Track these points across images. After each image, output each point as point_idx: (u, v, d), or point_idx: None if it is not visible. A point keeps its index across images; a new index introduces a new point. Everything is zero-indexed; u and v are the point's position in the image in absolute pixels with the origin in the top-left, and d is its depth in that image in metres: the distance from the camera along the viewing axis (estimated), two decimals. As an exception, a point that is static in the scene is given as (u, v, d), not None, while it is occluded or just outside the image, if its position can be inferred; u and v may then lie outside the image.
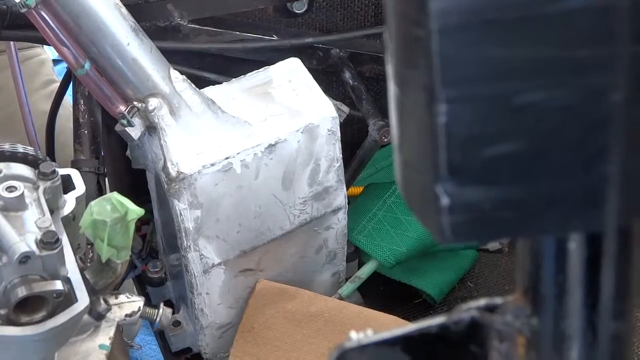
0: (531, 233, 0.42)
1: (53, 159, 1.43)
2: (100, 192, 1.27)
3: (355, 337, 0.46)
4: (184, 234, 1.22)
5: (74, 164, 1.27)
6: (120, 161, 1.37)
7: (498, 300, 0.47)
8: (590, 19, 0.37)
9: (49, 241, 0.88)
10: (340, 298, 1.42)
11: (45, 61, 1.81)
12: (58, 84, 1.78)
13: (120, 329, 1.12)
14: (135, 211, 0.94)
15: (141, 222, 1.44)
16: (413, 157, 0.42)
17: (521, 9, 0.37)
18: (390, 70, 0.43)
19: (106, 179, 1.33)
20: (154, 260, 1.42)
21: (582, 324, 0.44)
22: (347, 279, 1.46)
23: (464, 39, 0.38)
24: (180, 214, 1.20)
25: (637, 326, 1.39)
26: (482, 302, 0.47)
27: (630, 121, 0.40)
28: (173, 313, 1.39)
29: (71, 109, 1.34)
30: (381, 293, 1.51)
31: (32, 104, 1.65)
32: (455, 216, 0.40)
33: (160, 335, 1.41)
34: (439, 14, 0.37)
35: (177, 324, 1.37)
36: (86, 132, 1.30)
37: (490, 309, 0.47)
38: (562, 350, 0.45)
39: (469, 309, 0.47)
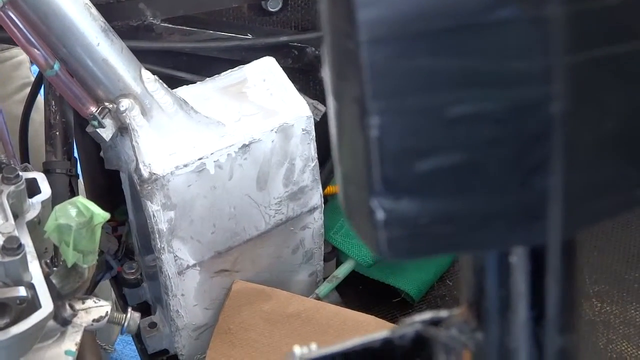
0: (470, 248, 0.41)
1: (26, 160, 1.42)
2: (73, 194, 1.26)
3: (299, 352, 0.45)
4: (157, 236, 1.21)
5: (46, 166, 1.25)
6: (95, 162, 1.36)
7: (443, 313, 0.46)
8: (524, 30, 0.36)
9: (11, 247, 0.86)
10: (318, 298, 1.41)
11: (22, 63, 1.78)
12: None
13: (94, 333, 1.11)
14: (101, 215, 0.93)
15: (117, 223, 1.43)
16: (350, 170, 0.41)
17: (451, 20, 0.36)
18: (327, 82, 0.42)
19: (79, 180, 1.32)
20: (129, 261, 1.40)
21: (527, 339, 0.43)
22: (324, 279, 1.45)
23: (394, 50, 0.37)
24: (154, 216, 1.19)
25: (616, 323, 1.39)
26: (427, 315, 0.46)
27: (570, 133, 0.39)
28: (149, 314, 1.38)
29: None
30: (359, 292, 1.50)
31: (6, 109, 1.63)
32: (391, 231, 0.39)
33: (138, 337, 1.40)
34: (367, 25, 0.36)
35: (153, 325, 1.36)
36: (58, 133, 1.28)
37: (435, 322, 0.46)
38: (508, 365, 0.44)
39: (414, 322, 0.46)
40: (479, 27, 0.36)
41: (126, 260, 1.42)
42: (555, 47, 0.37)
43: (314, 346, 0.45)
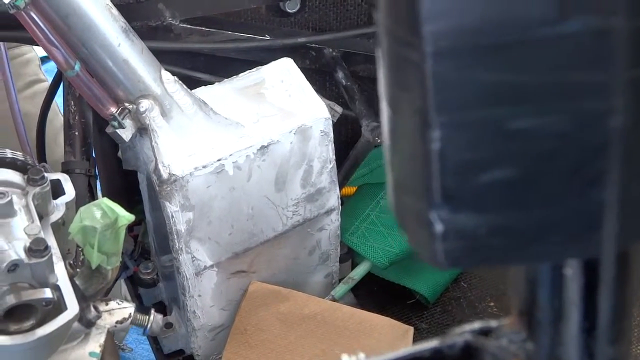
0: (527, 260, 0.41)
1: (44, 159, 1.42)
2: (92, 194, 1.26)
3: (347, 359, 0.45)
4: (175, 236, 1.21)
5: (65, 166, 1.25)
6: (112, 162, 1.36)
7: (493, 323, 0.46)
8: (588, 43, 0.36)
9: (37, 249, 0.86)
10: (334, 299, 1.41)
11: (31, 60, 1.78)
12: (43, 83, 1.76)
13: (111, 333, 1.11)
14: (126, 217, 0.93)
15: (133, 223, 1.42)
16: (405, 180, 0.41)
17: (516, 33, 0.36)
18: (383, 90, 0.42)
19: (97, 180, 1.32)
20: (145, 261, 1.40)
21: (578, 349, 0.43)
22: (340, 280, 1.45)
23: (458, 63, 0.37)
24: (172, 216, 1.19)
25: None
26: (477, 325, 0.46)
27: (629, 146, 0.39)
28: (165, 315, 1.38)
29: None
30: (374, 294, 1.50)
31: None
32: (449, 243, 0.39)
33: (153, 337, 1.40)
34: (433, 37, 0.36)
35: (169, 325, 1.36)
36: (77, 133, 1.28)
37: (485, 332, 0.46)
38: (558, 375, 0.44)
39: (463, 332, 0.46)
40: (543, 41, 0.36)
41: (142, 260, 1.42)
42: (618, 61, 0.37)
43: (362, 355, 0.45)
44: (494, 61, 0.36)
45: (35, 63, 1.83)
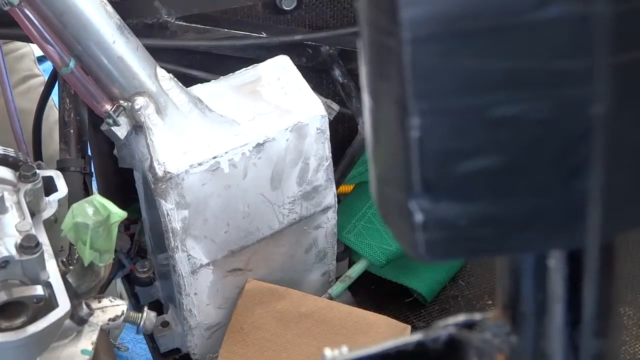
0: (509, 251, 0.41)
1: (40, 159, 1.42)
2: (87, 192, 1.26)
3: (330, 354, 0.45)
4: (171, 234, 1.21)
5: (60, 164, 1.25)
6: (107, 160, 1.36)
7: (477, 316, 0.45)
8: (569, 29, 0.36)
9: (28, 245, 0.86)
10: (331, 298, 1.41)
11: (25, 55, 1.77)
12: (38, 78, 1.75)
13: (106, 331, 1.11)
14: (118, 214, 0.93)
15: (129, 222, 1.42)
16: (387, 171, 0.41)
17: (496, 19, 0.36)
18: (363, 80, 0.41)
19: (93, 178, 1.31)
20: (142, 259, 1.40)
21: (563, 342, 0.43)
22: (337, 279, 1.44)
23: (437, 50, 0.36)
24: (168, 214, 1.18)
25: (629, 324, 1.38)
26: (461, 318, 0.45)
27: (612, 134, 0.38)
28: (162, 313, 1.38)
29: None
30: (372, 292, 1.49)
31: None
32: (430, 233, 0.39)
33: (149, 336, 1.40)
34: (411, 23, 0.36)
35: (165, 324, 1.36)
36: (72, 131, 1.28)
37: (469, 325, 0.45)
38: (543, 369, 0.43)
39: (447, 325, 0.45)
40: (524, 27, 0.36)
41: (138, 259, 1.41)
42: (599, 47, 0.36)
43: (345, 349, 0.45)
44: (473, 48, 0.36)
45: (29, 58, 1.82)
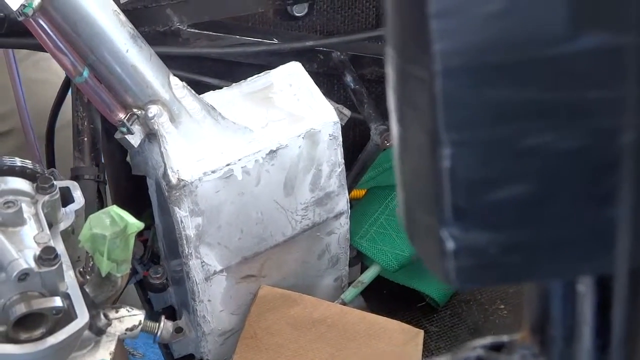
0: (539, 278, 0.41)
1: (53, 165, 1.42)
2: (101, 199, 1.26)
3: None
4: (185, 241, 1.21)
5: (74, 172, 1.26)
6: (120, 168, 1.36)
7: (505, 338, 0.45)
8: (601, 60, 0.36)
9: (47, 257, 0.86)
10: (343, 303, 1.41)
11: None
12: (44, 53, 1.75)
13: (122, 341, 1.11)
14: (135, 224, 0.93)
15: (143, 228, 1.42)
16: (416, 197, 0.41)
17: (527, 51, 0.36)
18: (391, 106, 0.41)
19: (106, 186, 1.32)
20: (155, 266, 1.40)
21: (591, 366, 0.43)
22: (349, 284, 1.44)
23: (468, 82, 0.36)
24: (181, 221, 1.19)
25: None
26: (489, 340, 0.46)
27: (641, 162, 0.38)
28: (175, 319, 1.38)
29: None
30: (384, 297, 1.50)
31: (19, 72, 1.62)
32: (461, 260, 0.39)
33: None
34: (443, 55, 0.36)
35: (179, 330, 1.36)
36: (86, 139, 1.29)
37: (497, 347, 0.46)
38: (571, 392, 0.44)
39: (475, 347, 0.46)
40: (555, 58, 0.36)
41: (151, 265, 1.42)
42: (630, 78, 0.36)
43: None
44: (504, 79, 0.36)
45: None
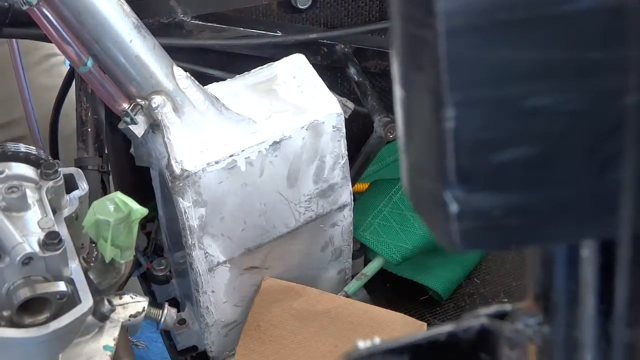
0: (543, 241, 0.41)
1: (56, 156, 1.42)
2: (105, 190, 1.26)
3: (363, 345, 0.45)
4: (188, 232, 1.21)
5: (78, 162, 1.26)
6: (124, 159, 1.36)
7: (508, 307, 0.46)
8: (603, 20, 0.36)
9: (51, 242, 0.87)
10: (346, 295, 1.41)
11: None
12: (59, 57, 1.76)
13: (125, 328, 1.11)
14: (139, 211, 0.93)
15: (146, 220, 1.43)
16: (420, 162, 0.41)
17: (531, 10, 0.36)
18: (395, 71, 0.42)
19: (110, 177, 1.32)
20: (159, 258, 1.41)
21: (595, 332, 0.43)
22: (353, 276, 1.44)
23: (472, 41, 0.36)
24: (185, 212, 1.19)
25: None
26: (492, 309, 0.46)
27: (645, 125, 0.38)
28: (178, 311, 1.39)
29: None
30: (387, 290, 1.50)
31: (31, 78, 1.63)
32: (465, 223, 0.39)
33: (166, 334, 1.40)
34: (447, 14, 0.36)
35: (182, 322, 1.36)
36: (89, 130, 1.29)
37: (500, 316, 0.46)
38: (575, 358, 0.44)
39: (479, 316, 0.46)
40: (557, 17, 0.36)
41: (155, 257, 1.42)
42: (633, 38, 0.37)
43: (377, 339, 0.45)
44: (508, 39, 0.36)
45: None
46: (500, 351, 0.46)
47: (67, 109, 1.41)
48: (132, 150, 1.27)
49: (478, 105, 0.37)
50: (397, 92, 0.42)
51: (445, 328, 0.46)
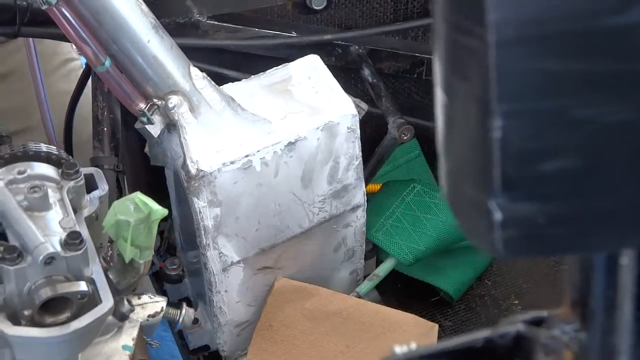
0: (584, 250, 0.42)
1: (70, 155, 1.43)
2: (120, 189, 1.27)
3: (400, 350, 0.46)
4: (203, 232, 1.22)
5: (93, 162, 1.26)
6: (138, 158, 1.37)
7: (544, 313, 0.46)
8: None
9: (73, 242, 0.87)
10: (358, 296, 1.42)
11: None
12: (77, 62, 1.77)
13: (142, 327, 1.12)
14: (159, 211, 0.94)
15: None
16: (463, 168, 0.41)
17: (581, 22, 0.36)
18: (438, 76, 0.42)
19: (125, 176, 1.33)
20: (171, 257, 1.41)
21: (632, 339, 0.43)
22: (365, 277, 1.45)
23: (521, 52, 0.37)
24: (200, 212, 1.20)
25: None
26: (529, 315, 0.46)
27: (688, 136, 0.39)
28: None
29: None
30: (399, 291, 1.50)
31: (50, 84, 1.64)
32: (508, 231, 0.40)
33: (178, 333, 1.41)
34: (497, 26, 0.37)
35: (195, 321, 1.37)
36: (105, 129, 1.29)
37: (537, 322, 0.46)
38: (611, 365, 0.44)
39: (515, 322, 0.46)
40: (606, 30, 0.36)
41: (168, 256, 1.43)
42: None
43: (414, 345, 0.46)
44: (557, 50, 0.37)
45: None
46: (536, 357, 0.46)
47: (85, 112, 1.42)
48: (146, 149, 1.28)
49: (525, 115, 0.38)
50: (439, 96, 0.42)
51: (482, 334, 0.47)
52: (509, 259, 0.41)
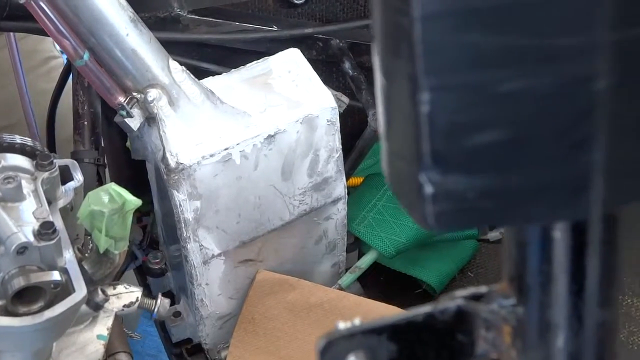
0: (515, 222, 0.42)
1: (53, 151, 1.44)
2: (100, 183, 1.27)
3: (343, 326, 0.46)
4: (183, 225, 1.22)
5: (74, 155, 1.27)
6: (120, 152, 1.37)
7: (484, 289, 0.47)
8: (571, 6, 0.37)
9: (46, 232, 0.88)
10: (340, 288, 1.42)
11: (46, 37, 1.80)
12: (58, 60, 1.78)
13: (120, 319, 1.13)
14: (133, 202, 0.94)
15: (141, 213, 1.44)
16: (398, 146, 0.42)
17: (504, -4, 0.37)
18: (376, 60, 0.43)
19: (106, 170, 1.33)
20: (154, 251, 1.42)
21: (567, 312, 0.44)
22: (347, 270, 1.46)
23: (447, 27, 0.38)
24: (180, 205, 1.20)
25: (637, 315, 1.39)
26: (468, 291, 0.47)
27: (615, 109, 0.40)
28: (173, 304, 1.40)
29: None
30: (381, 283, 1.51)
31: (30, 82, 1.65)
32: (439, 205, 0.40)
33: (161, 326, 1.42)
34: (421, 1, 0.37)
35: (177, 314, 1.38)
36: (86, 123, 1.30)
37: (477, 297, 0.47)
38: (548, 338, 0.45)
39: (455, 297, 0.47)
40: (528, 4, 0.37)
41: (150, 250, 1.43)
42: (602, 23, 0.38)
43: (357, 321, 0.47)
44: (481, 24, 0.37)
45: (49, 40, 1.84)
46: (477, 332, 0.47)
47: (67, 109, 1.43)
48: (128, 143, 1.28)
49: (452, 89, 0.39)
50: (378, 79, 0.43)
51: (423, 309, 0.48)
52: (443, 231, 0.42)
